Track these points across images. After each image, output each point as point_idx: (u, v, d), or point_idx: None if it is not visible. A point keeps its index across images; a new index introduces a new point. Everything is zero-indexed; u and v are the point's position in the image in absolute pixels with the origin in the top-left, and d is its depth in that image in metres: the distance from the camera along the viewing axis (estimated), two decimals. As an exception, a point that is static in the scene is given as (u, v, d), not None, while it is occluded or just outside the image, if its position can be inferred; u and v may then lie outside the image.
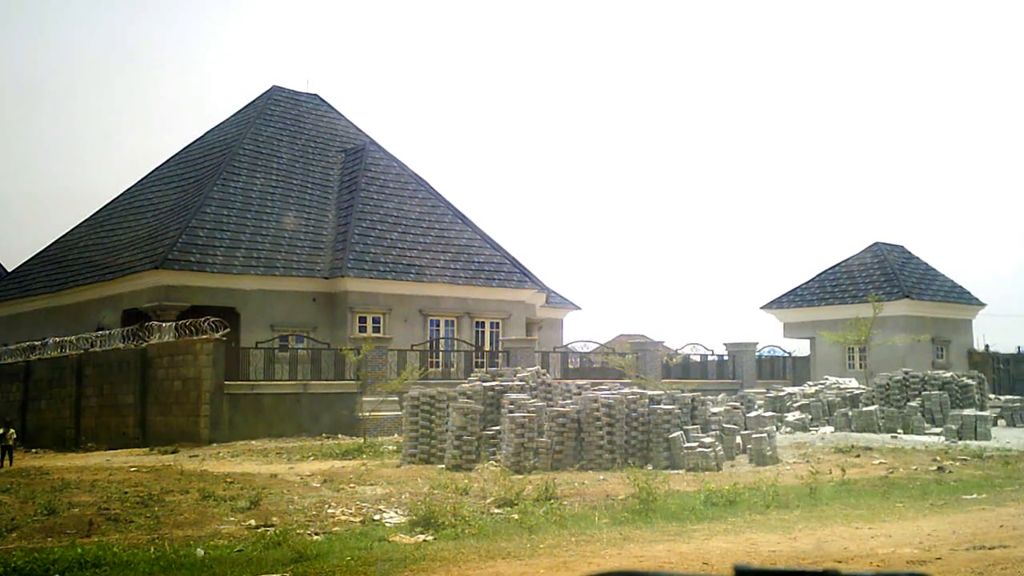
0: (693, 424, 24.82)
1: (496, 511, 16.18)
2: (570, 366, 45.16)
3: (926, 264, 55.28)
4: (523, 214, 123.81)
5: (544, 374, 28.57)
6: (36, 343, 39.64)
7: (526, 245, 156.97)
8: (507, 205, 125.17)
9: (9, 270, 55.65)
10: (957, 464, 22.62)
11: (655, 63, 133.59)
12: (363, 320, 41.13)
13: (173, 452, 28.80)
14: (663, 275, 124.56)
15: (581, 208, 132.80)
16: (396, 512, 16.57)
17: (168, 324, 34.30)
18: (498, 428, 23.95)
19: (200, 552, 12.74)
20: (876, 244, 55.25)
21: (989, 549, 11.91)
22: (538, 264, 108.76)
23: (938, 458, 23.59)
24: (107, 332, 37.05)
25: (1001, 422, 33.33)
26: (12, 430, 27.14)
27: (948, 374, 34.81)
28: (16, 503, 17.55)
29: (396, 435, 30.25)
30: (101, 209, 51.12)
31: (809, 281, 54.69)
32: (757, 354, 48.06)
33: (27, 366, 39.26)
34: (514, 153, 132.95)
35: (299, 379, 35.10)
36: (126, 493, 18.68)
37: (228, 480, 20.74)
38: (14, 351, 40.88)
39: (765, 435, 24.03)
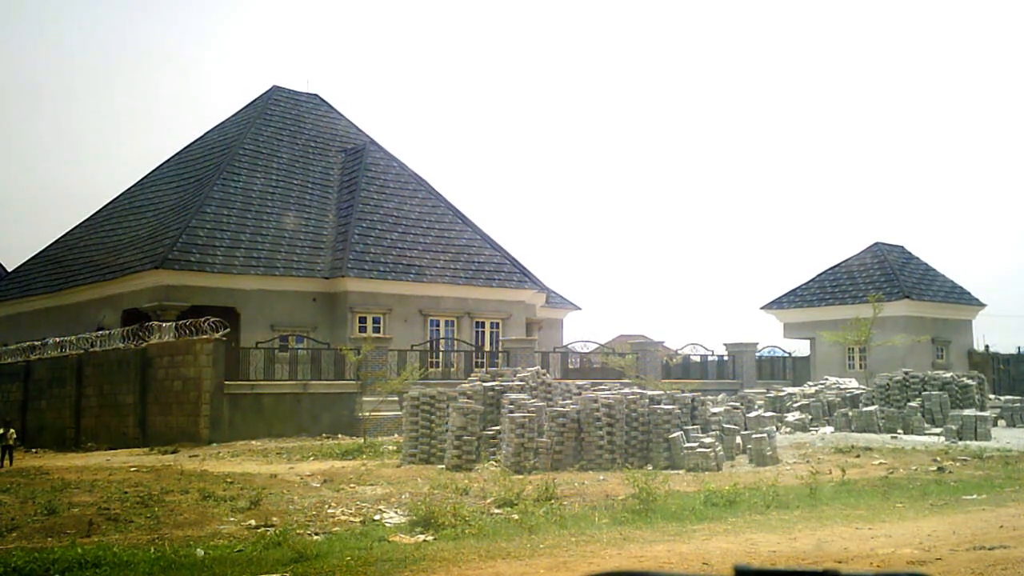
0: (693, 424, 24.81)
1: (496, 511, 16.18)
2: (570, 366, 45.15)
3: (926, 264, 55.26)
4: (523, 214, 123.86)
5: (544, 374, 28.54)
6: (36, 343, 39.63)
7: (526, 245, 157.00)
8: (507, 205, 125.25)
9: (9, 270, 55.62)
10: (957, 464, 22.60)
11: (656, 63, 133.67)
12: (363, 320, 41.12)
13: (173, 452, 28.80)
14: (663, 275, 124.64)
15: (581, 208, 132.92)
16: (396, 512, 16.57)
17: (168, 324, 34.30)
18: (498, 428, 23.94)
19: (200, 552, 12.74)
20: (876, 244, 55.24)
21: (989, 550, 11.90)
22: (538, 264, 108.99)
23: (938, 458, 23.58)
24: (107, 332, 37.05)
25: (1001, 422, 33.32)
26: (12, 430, 27.16)
27: (948, 374, 34.78)
28: (16, 503, 17.56)
29: (396, 435, 30.23)
30: (101, 209, 51.11)
31: (809, 281, 54.67)
32: (757, 354, 48.01)
33: (27, 366, 39.27)
34: (514, 153, 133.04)
35: (299, 379, 35.09)
36: (126, 493, 18.68)
37: (228, 480, 20.75)
38: (14, 351, 40.88)
39: (765, 435, 24.02)
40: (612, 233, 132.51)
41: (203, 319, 32.89)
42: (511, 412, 22.79)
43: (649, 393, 25.60)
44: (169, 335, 33.53)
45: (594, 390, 26.15)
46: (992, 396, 37.32)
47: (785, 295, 54.68)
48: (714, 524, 14.54)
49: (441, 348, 42.21)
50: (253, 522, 15.62)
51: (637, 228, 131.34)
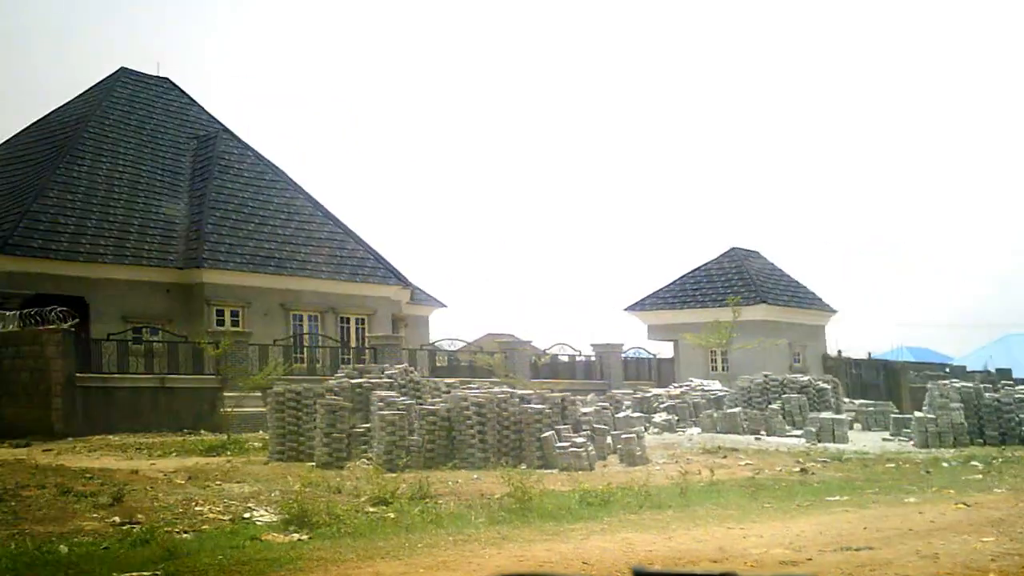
0: (564, 424, 24.82)
1: (371, 510, 15.89)
2: (438, 364, 44.91)
3: (780, 270, 56.44)
4: (386, 210, 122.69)
5: (412, 371, 28.37)
6: None
7: (389, 241, 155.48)
8: (368, 201, 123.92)
9: None
10: (818, 466, 23.19)
11: (540, 62, 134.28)
12: (220, 313, 40.09)
13: (25, 445, 27.59)
14: (529, 275, 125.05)
15: (444, 205, 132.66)
16: (267, 510, 16.12)
17: (11, 313, 32.85)
18: (368, 425, 23.64)
19: (64, 549, 12.19)
20: (733, 249, 55.70)
21: (856, 551, 12.13)
22: (402, 260, 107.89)
23: (800, 460, 24.15)
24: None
25: (857, 425, 34.23)
26: None
27: (805, 378, 35.71)
28: None
29: (261, 431, 29.54)
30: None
31: (670, 284, 55.00)
32: (623, 355, 48.50)
33: None
34: (376, 148, 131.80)
35: (156, 373, 34.01)
36: (-23, 487, 17.75)
37: (87, 475, 19.86)
38: None
39: (634, 436, 24.22)
40: (477, 231, 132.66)
41: (49, 308, 31.60)
42: (381, 410, 22.53)
43: (519, 392, 25.57)
44: (13, 324, 32.13)
45: (463, 388, 26.05)
46: (847, 400, 38.44)
47: (647, 297, 54.97)
48: (590, 523, 14.54)
49: (306, 344, 41.52)
50: (117, 519, 14.97)
51: (502, 227, 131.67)
